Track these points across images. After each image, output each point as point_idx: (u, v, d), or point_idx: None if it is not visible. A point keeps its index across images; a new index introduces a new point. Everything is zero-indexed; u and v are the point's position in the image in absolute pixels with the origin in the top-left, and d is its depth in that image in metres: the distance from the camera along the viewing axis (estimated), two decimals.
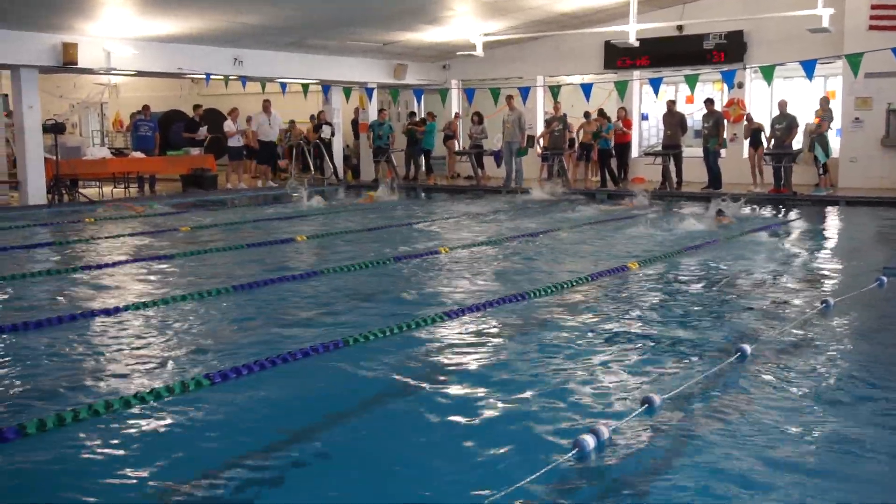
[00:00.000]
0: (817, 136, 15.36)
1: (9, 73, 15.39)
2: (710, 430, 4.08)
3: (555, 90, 17.03)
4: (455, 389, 4.79)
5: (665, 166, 17.06)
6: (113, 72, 16.68)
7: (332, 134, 20.69)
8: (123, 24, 14.71)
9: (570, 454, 3.71)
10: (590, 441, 3.77)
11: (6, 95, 16.63)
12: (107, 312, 6.59)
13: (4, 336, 5.93)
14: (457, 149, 21.15)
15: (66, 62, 14.88)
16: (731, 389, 4.69)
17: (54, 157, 15.68)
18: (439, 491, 3.55)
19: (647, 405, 4.28)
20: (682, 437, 4.01)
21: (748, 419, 4.22)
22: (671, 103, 17.47)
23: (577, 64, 19.91)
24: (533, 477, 3.45)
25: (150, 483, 3.62)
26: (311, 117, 21.63)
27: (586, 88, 15.65)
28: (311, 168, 20.90)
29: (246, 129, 19.23)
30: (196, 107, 20.23)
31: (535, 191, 16.61)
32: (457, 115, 21.29)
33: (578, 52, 19.47)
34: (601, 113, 18.32)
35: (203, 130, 19.39)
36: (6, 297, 7.40)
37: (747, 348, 5.25)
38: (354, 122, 22.44)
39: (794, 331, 5.92)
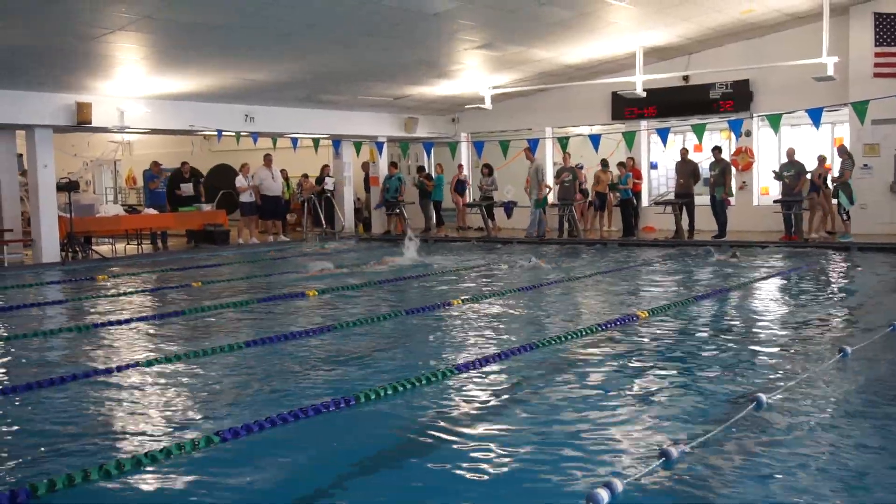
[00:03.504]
0: (840, 184, 15.32)
1: (24, 132, 15.60)
2: (727, 483, 4.02)
3: (563, 141, 17.16)
4: (467, 441, 4.74)
5: (677, 215, 17.09)
6: (126, 130, 16.88)
7: (334, 185, 20.90)
8: (136, 83, 14.95)
9: None
10: (604, 495, 3.71)
11: (21, 155, 16.82)
12: (117, 370, 6.59)
13: (17, 395, 5.93)
14: (468, 200, 21.30)
15: (81, 121, 15.09)
16: (747, 440, 4.62)
17: (68, 215, 15.83)
18: None
19: (664, 458, 4.23)
20: (698, 491, 3.95)
21: (765, 471, 4.16)
22: (684, 152, 17.56)
23: (585, 115, 20.08)
24: None
25: None
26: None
27: (594, 139, 15.75)
28: (323, 221, 21.03)
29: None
30: (183, 163, 20.14)
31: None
32: (460, 168, 21.43)
33: (586, 103, 19.65)
34: (621, 164, 18.37)
35: (188, 187, 19.24)
36: (20, 355, 7.42)
37: (763, 398, 5.20)
38: (365, 176, 22.62)
39: (812, 379, 5.86)
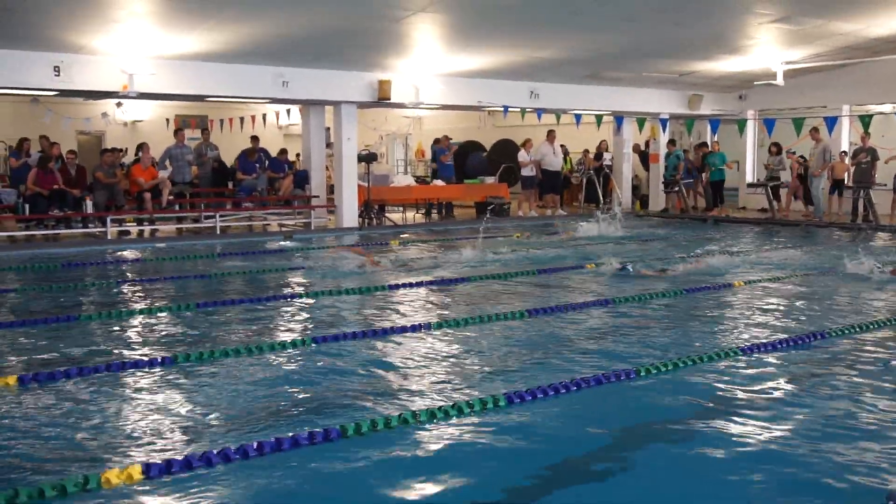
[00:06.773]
0: None
1: (331, 108, 17.08)
2: None
3: (865, 120, 16.02)
4: (752, 430, 4.72)
5: None
6: (420, 105, 17.92)
7: (612, 161, 21.00)
8: (431, 62, 15.84)
9: None
10: None
11: (328, 128, 18.43)
12: (412, 329, 7.22)
13: (311, 347, 6.65)
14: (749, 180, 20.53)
15: (381, 97, 16.26)
16: None
17: (366, 184, 17.18)
18: None
19: None
20: None
21: None
22: None
23: (888, 92, 18.55)
24: None
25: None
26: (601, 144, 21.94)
27: None
28: (600, 197, 21.17)
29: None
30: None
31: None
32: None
33: (891, 79, 18.14)
34: None
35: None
36: (317, 311, 8.28)
37: None
38: (644, 153, 22.42)
39: None
